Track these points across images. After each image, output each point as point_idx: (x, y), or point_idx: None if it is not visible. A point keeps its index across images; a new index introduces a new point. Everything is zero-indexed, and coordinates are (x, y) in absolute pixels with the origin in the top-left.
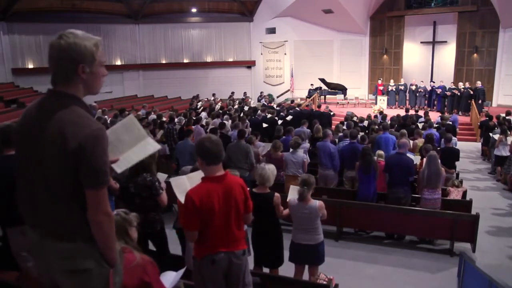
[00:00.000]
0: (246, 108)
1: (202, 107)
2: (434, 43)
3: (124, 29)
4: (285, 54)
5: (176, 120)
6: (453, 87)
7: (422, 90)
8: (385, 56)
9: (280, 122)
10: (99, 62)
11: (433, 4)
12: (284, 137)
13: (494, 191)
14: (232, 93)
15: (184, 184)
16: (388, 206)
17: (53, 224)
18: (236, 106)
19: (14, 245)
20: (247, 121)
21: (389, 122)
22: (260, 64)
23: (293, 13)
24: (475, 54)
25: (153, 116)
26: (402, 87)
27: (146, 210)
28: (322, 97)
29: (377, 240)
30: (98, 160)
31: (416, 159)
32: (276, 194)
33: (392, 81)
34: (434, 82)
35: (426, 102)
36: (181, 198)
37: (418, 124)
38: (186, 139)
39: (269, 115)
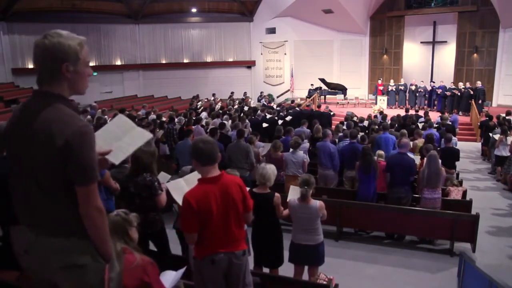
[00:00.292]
0: (246, 108)
1: (202, 107)
2: (434, 43)
3: (124, 29)
4: (285, 54)
5: (176, 120)
6: (453, 87)
7: (422, 90)
8: (385, 56)
9: (280, 122)
10: (83, 61)
11: (433, 4)
12: (284, 137)
13: (494, 191)
14: (232, 93)
15: (182, 186)
16: (388, 206)
17: (48, 221)
18: (236, 106)
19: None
20: (247, 121)
21: (389, 122)
22: (260, 64)
23: (293, 13)
24: (475, 54)
25: (153, 116)
26: (402, 87)
27: (146, 210)
28: (322, 97)
29: (377, 240)
30: (85, 157)
31: (416, 159)
32: (277, 194)
33: (392, 81)
34: (434, 82)
35: (426, 102)
36: (180, 201)
37: (418, 124)
38: (186, 139)
39: (268, 115)
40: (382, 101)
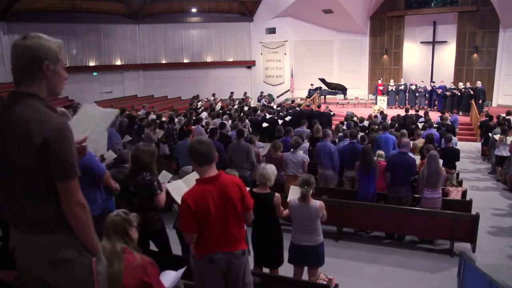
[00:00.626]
0: (246, 108)
1: (202, 107)
2: (434, 43)
3: (124, 29)
4: (285, 54)
5: (176, 120)
6: (453, 87)
7: (422, 90)
8: (385, 56)
9: (280, 122)
10: (61, 63)
11: (433, 4)
12: (284, 137)
13: (494, 191)
14: (232, 93)
15: (181, 187)
16: (388, 206)
17: (32, 219)
18: (236, 106)
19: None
20: (247, 121)
21: (389, 122)
22: (260, 64)
23: (293, 13)
24: (475, 54)
25: (152, 116)
26: (402, 87)
27: (146, 209)
28: (322, 97)
29: (377, 240)
30: (64, 153)
31: (416, 159)
32: (277, 194)
33: (392, 81)
34: (434, 82)
35: (426, 102)
36: (179, 201)
37: (418, 124)
38: (186, 139)
39: (268, 115)
40: (382, 101)
